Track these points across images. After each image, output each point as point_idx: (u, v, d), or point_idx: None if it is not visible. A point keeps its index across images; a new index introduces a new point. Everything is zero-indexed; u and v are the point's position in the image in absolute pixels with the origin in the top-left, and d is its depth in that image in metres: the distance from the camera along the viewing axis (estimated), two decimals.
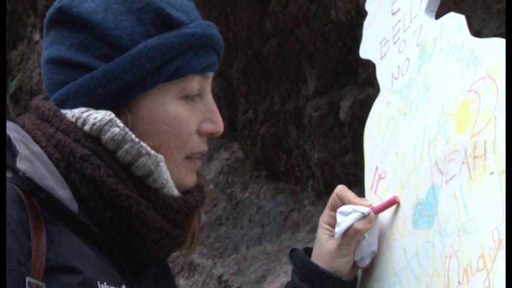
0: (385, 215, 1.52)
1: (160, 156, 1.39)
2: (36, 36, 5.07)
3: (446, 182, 1.33)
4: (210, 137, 1.48)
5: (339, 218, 1.50)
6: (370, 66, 1.66)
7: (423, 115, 1.45)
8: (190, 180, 1.47)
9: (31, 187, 1.32)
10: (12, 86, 5.15)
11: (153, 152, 1.38)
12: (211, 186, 3.98)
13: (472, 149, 1.27)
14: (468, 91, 1.31)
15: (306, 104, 3.43)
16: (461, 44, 1.37)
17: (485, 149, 1.24)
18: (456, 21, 1.41)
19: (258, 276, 3.51)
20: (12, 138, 1.36)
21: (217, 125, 1.46)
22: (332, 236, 1.53)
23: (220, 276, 3.66)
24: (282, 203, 3.72)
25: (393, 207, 1.50)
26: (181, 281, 3.84)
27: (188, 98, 1.43)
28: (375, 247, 1.52)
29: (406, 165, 1.48)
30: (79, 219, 1.34)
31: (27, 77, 5.00)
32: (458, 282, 1.26)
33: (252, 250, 3.65)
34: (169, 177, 1.41)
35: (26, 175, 1.31)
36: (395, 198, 1.49)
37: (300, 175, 3.66)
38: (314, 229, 3.45)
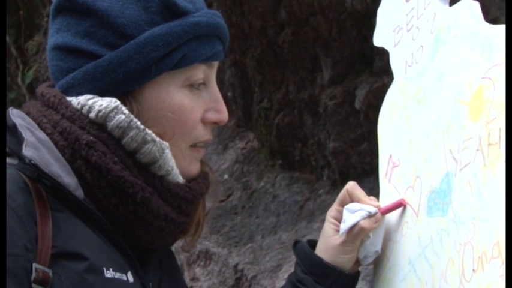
0: None
1: (165, 143, 1.39)
2: None
3: (461, 169, 1.33)
4: (215, 126, 1.49)
5: (345, 214, 1.52)
6: (385, 54, 1.65)
7: (437, 103, 1.44)
8: (194, 168, 1.47)
9: (37, 174, 1.32)
10: (29, 76, 5.16)
11: (158, 139, 1.38)
12: (226, 176, 3.98)
13: (486, 136, 1.27)
14: (482, 78, 1.30)
15: (321, 93, 3.41)
16: (476, 30, 1.36)
17: (499, 136, 1.24)
18: (470, 8, 1.40)
19: (274, 265, 3.51)
20: (18, 125, 1.36)
21: (222, 114, 1.46)
22: (337, 231, 1.54)
23: (235, 265, 3.67)
24: (297, 192, 3.72)
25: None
26: (197, 270, 3.85)
27: (193, 86, 1.44)
28: (378, 247, 1.53)
29: (420, 153, 1.47)
30: (84, 205, 1.34)
31: (43, 67, 5.01)
32: (473, 270, 1.26)
33: (268, 239, 3.65)
34: (174, 164, 1.41)
35: (32, 162, 1.31)
36: (402, 201, 1.50)
37: (315, 164, 3.65)
38: None
